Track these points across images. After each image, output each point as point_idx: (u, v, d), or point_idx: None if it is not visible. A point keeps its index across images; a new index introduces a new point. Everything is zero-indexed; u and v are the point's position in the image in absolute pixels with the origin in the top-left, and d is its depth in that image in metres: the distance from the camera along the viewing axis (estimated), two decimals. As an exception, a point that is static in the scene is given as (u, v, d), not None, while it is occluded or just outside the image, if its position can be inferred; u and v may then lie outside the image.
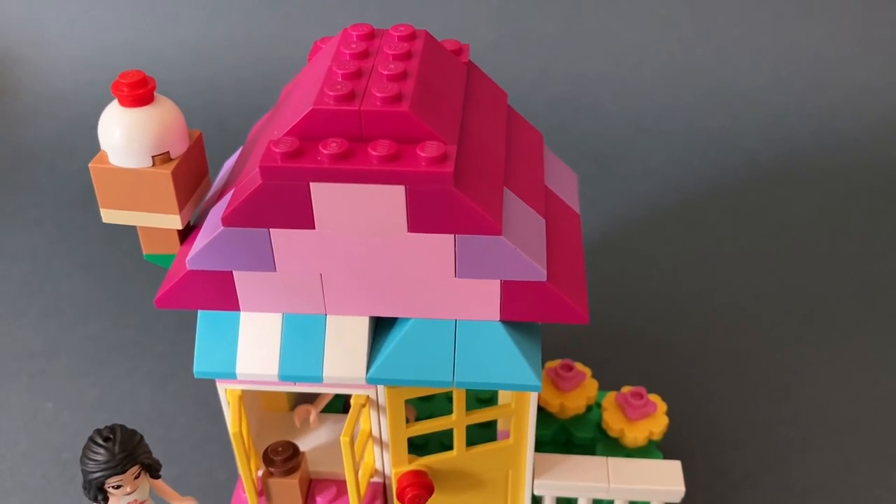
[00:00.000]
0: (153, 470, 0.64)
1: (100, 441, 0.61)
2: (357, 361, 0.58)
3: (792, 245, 1.07)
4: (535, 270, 0.54)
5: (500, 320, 0.57)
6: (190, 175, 0.59)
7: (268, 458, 0.65)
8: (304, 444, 0.70)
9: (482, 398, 0.79)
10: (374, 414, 0.63)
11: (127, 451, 0.61)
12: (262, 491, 0.66)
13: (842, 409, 0.85)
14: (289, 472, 0.65)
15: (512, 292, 0.55)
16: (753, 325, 0.95)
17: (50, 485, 0.78)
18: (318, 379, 0.58)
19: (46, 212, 1.16)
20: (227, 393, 0.63)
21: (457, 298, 0.56)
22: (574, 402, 0.75)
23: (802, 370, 0.89)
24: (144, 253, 0.62)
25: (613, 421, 0.73)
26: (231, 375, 0.58)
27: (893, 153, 1.24)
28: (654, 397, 0.75)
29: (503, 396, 0.69)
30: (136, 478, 0.62)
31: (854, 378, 0.89)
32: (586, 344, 0.88)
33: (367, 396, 0.62)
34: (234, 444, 0.61)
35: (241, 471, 0.63)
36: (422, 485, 0.63)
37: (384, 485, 0.68)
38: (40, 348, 0.93)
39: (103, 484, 0.61)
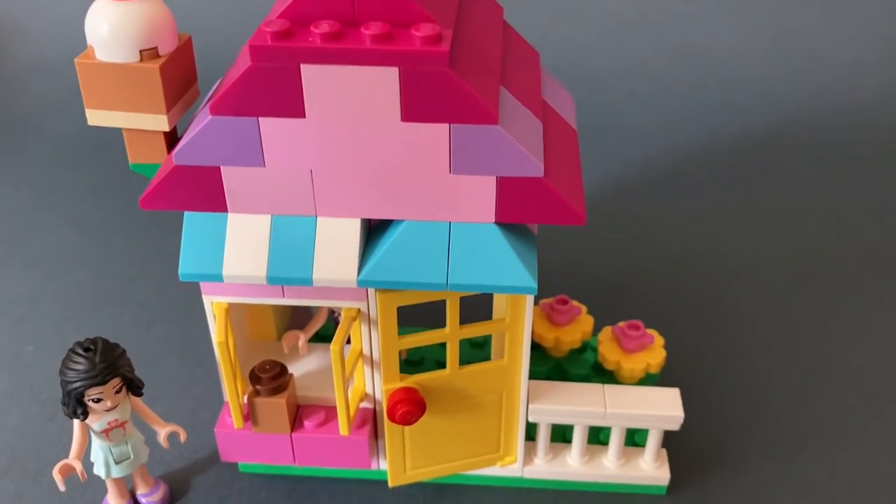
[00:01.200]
0: (135, 387, 0.62)
1: (80, 351, 0.59)
2: (348, 263, 0.56)
3: (784, 206, 1.06)
4: (533, 165, 0.53)
5: (496, 222, 0.55)
6: (178, 76, 0.57)
7: (254, 377, 0.63)
8: (293, 371, 0.68)
9: (476, 342, 0.78)
10: (364, 329, 0.61)
11: (108, 361, 0.59)
12: (249, 415, 0.64)
13: (837, 356, 0.84)
14: (276, 392, 0.63)
15: (508, 190, 0.54)
16: (748, 279, 0.94)
17: (29, 423, 0.76)
18: (308, 281, 0.56)
19: (34, 171, 1.14)
20: (213, 306, 0.61)
21: (451, 198, 0.55)
22: (569, 336, 0.73)
23: (798, 321, 0.88)
24: (130, 162, 0.61)
25: (609, 353, 0.72)
26: (217, 277, 0.56)
27: (883, 124, 1.24)
28: (651, 331, 0.73)
29: (498, 314, 0.67)
30: (118, 392, 0.60)
31: (850, 327, 0.87)
32: (580, 294, 0.86)
33: (358, 310, 0.61)
34: (218, 355, 0.59)
35: (225, 386, 0.61)
36: (413, 401, 0.61)
37: (374, 411, 0.66)
38: (23, 296, 0.91)
39: (83, 395, 0.59)
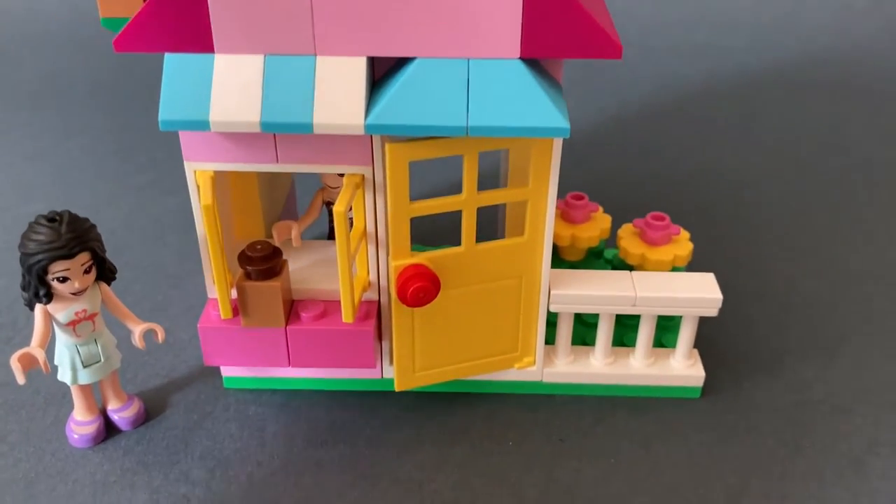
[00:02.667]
0: (106, 270, 0.54)
1: (44, 221, 0.51)
2: (353, 105, 0.49)
3: (785, 133, 1.02)
4: (563, -17, 0.47)
5: (521, 57, 0.49)
6: None
7: (244, 258, 0.55)
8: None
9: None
10: (369, 199, 0.54)
11: (76, 232, 0.51)
12: (237, 306, 0.57)
13: (854, 258, 0.79)
14: (269, 275, 0.55)
15: (535, 16, 0.47)
16: (758, 195, 0.89)
17: (-18, 348, 0.68)
18: (308, 128, 0.49)
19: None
20: (196, 175, 0.53)
21: (470, 29, 0.48)
22: (586, 233, 0.67)
23: (816, 229, 0.83)
24: (101, 17, 0.54)
25: (632, 246, 0.65)
26: (202, 125, 0.49)
27: (873, 63, 1.21)
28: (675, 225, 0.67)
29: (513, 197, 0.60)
30: (87, 272, 0.52)
31: (864, 232, 0.82)
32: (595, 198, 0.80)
33: (362, 176, 0.54)
34: (204, 222, 0.51)
35: (210, 264, 0.53)
36: (427, 277, 0.54)
37: (378, 304, 0.59)
38: (-25, 229, 0.83)
39: (46, 272, 0.51)
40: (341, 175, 0.60)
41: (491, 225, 0.68)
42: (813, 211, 0.87)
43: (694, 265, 0.73)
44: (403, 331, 0.57)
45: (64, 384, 0.63)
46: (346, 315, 0.55)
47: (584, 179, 0.92)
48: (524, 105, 0.49)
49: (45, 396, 0.63)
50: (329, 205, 0.63)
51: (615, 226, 0.74)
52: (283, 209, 0.68)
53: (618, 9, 1.28)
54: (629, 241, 0.65)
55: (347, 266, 0.52)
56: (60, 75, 1.16)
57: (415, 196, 0.53)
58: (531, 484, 0.56)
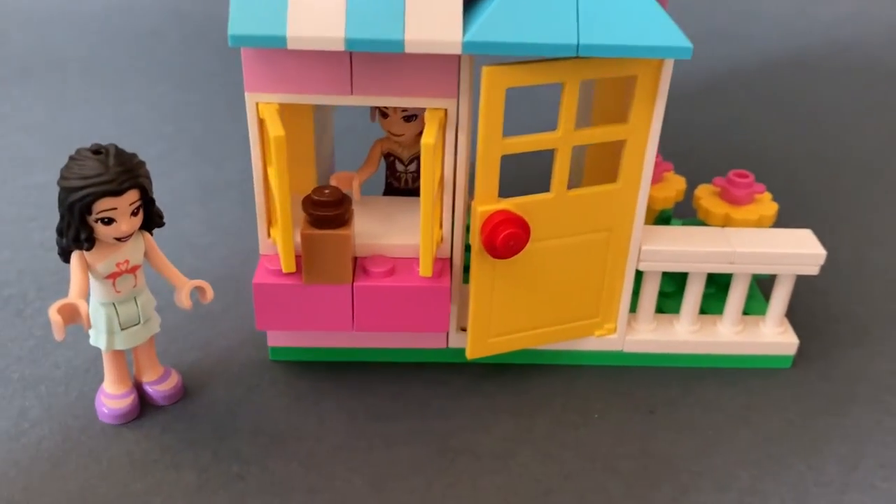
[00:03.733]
0: (154, 216, 0.48)
1: (88, 153, 0.45)
2: (449, 20, 0.43)
3: (809, 117, 0.99)
4: None
5: (634, -28, 0.44)
6: None
7: (310, 203, 0.49)
8: (342, 222, 0.55)
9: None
10: (450, 136, 0.48)
11: (125, 166, 0.45)
12: (302, 255, 0.50)
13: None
14: (337, 223, 0.49)
15: (654, -77, 0.43)
16: (813, 171, 0.85)
17: (-12, 321, 0.60)
18: (398, 45, 0.43)
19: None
20: (259, 108, 0.47)
21: (579, -61, 0.43)
22: (661, 193, 0.62)
23: (878, 204, 0.79)
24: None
25: (714, 206, 0.60)
26: (278, 41, 0.43)
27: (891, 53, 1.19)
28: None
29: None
30: (134, 214, 0.46)
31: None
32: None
33: (445, 111, 0.48)
34: (275, 154, 0.45)
35: (278, 203, 0.46)
36: (518, 223, 0.48)
37: (451, 262, 0.53)
38: (-30, 200, 0.75)
39: (90, 210, 0.44)
40: (408, 120, 0.54)
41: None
42: (869, 183, 0.83)
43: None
44: (481, 289, 0.51)
45: (85, 356, 0.56)
46: (425, 268, 0.49)
47: None
48: (641, 22, 0.44)
49: (65, 370, 0.56)
50: (389, 157, 0.57)
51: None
52: (327, 164, 0.62)
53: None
54: (710, 201, 0.60)
55: (432, 208, 0.47)
56: (51, 49, 1.08)
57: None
58: (625, 457, 0.51)
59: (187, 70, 1.06)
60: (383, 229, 0.54)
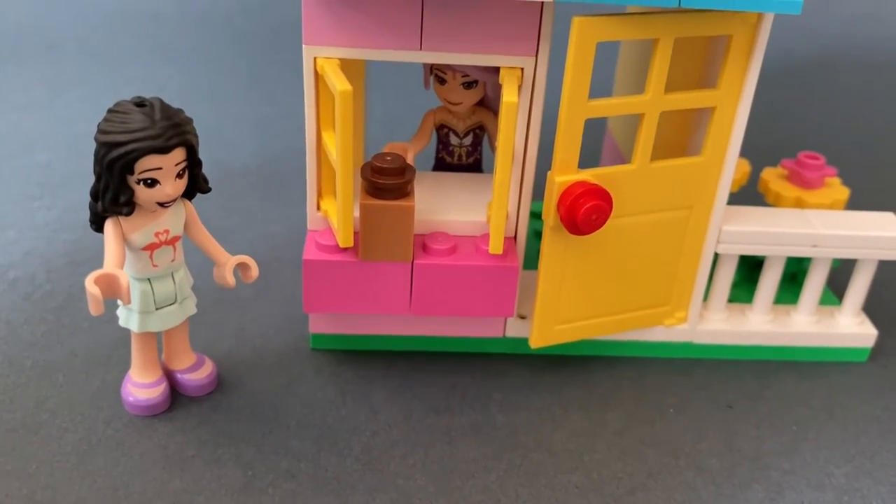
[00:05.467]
0: (200, 181, 0.43)
1: (131, 106, 0.40)
2: (543, -36, 0.39)
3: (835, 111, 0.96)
4: None
5: (739, -81, 0.41)
6: None
7: (372, 171, 0.44)
8: (395, 198, 0.50)
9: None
10: (525, 99, 0.44)
11: (172, 120, 0.40)
12: (360, 227, 0.45)
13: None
14: (401, 193, 0.45)
15: None
16: (859, 162, 0.81)
17: (-6, 305, 0.55)
18: (485, -11, 0.39)
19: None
20: (318, 63, 0.43)
21: None
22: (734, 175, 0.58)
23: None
24: None
25: (785, 189, 0.57)
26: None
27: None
28: (822, 170, 0.59)
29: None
30: (179, 177, 0.41)
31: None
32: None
33: (521, 70, 0.44)
34: (340, 110, 0.40)
35: (340, 167, 0.41)
36: (601, 195, 0.44)
37: (515, 240, 0.49)
38: (-34, 179, 0.69)
39: (132, 169, 0.39)
40: (468, 87, 0.50)
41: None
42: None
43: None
44: (552, 270, 0.47)
45: (106, 341, 0.51)
46: (495, 244, 0.45)
47: None
48: (748, -28, 0.40)
49: (83, 358, 0.50)
50: (443, 129, 0.53)
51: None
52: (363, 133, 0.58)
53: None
54: (780, 185, 0.57)
55: (508, 175, 0.42)
56: (47, 29, 1.02)
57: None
58: (710, 454, 0.46)
59: (193, 52, 1.00)
60: (441, 205, 0.49)
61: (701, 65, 0.49)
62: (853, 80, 1.06)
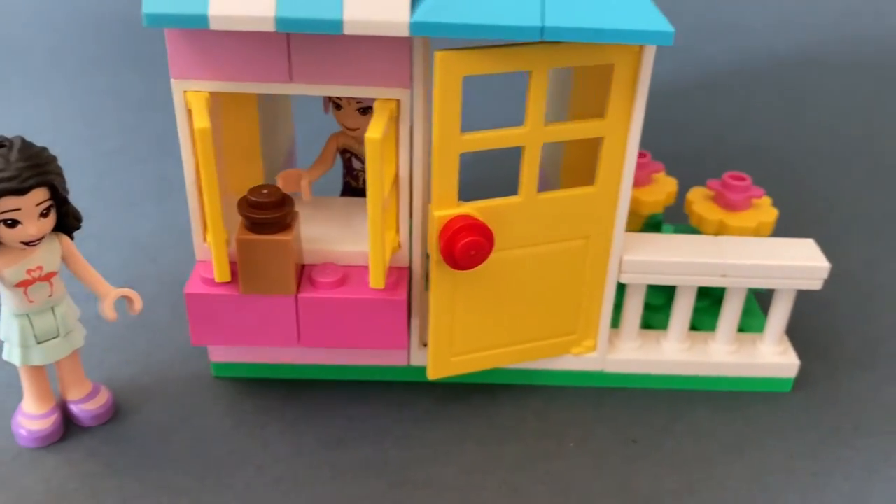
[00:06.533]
0: (70, 218, 0.43)
1: (-12, 146, 0.40)
2: (396, -2, 0.38)
3: (828, 117, 0.92)
4: None
5: (609, -56, 0.39)
6: None
7: (247, 205, 0.44)
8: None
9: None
10: (404, 131, 0.43)
11: (31, 161, 0.39)
12: (238, 262, 0.45)
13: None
14: (277, 227, 0.44)
15: None
16: (817, 175, 0.79)
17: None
18: (336, 25, 0.38)
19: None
20: (187, 98, 0.42)
21: None
22: (651, 197, 0.56)
23: (887, 213, 0.73)
24: None
25: (708, 211, 0.55)
26: (199, 20, 0.37)
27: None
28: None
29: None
30: (44, 216, 0.40)
31: None
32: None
33: (397, 102, 0.43)
34: (199, 149, 0.40)
35: (206, 204, 0.41)
36: (479, 230, 0.43)
37: (409, 270, 0.48)
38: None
39: (-10, 210, 0.39)
40: (364, 112, 0.49)
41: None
42: (880, 189, 0.77)
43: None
44: (442, 302, 0.46)
45: (7, 369, 0.51)
46: (376, 279, 0.44)
47: None
48: (616, 3, 0.38)
49: (-17, 388, 0.51)
50: (346, 153, 0.52)
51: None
52: (286, 157, 0.57)
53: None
54: (703, 206, 0.55)
55: (380, 212, 0.41)
56: (12, 39, 1.03)
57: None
58: (605, 493, 0.45)
59: (152, 58, 1.01)
60: (336, 234, 0.48)
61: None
62: (802, 91, 1.03)
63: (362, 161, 0.51)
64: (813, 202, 0.75)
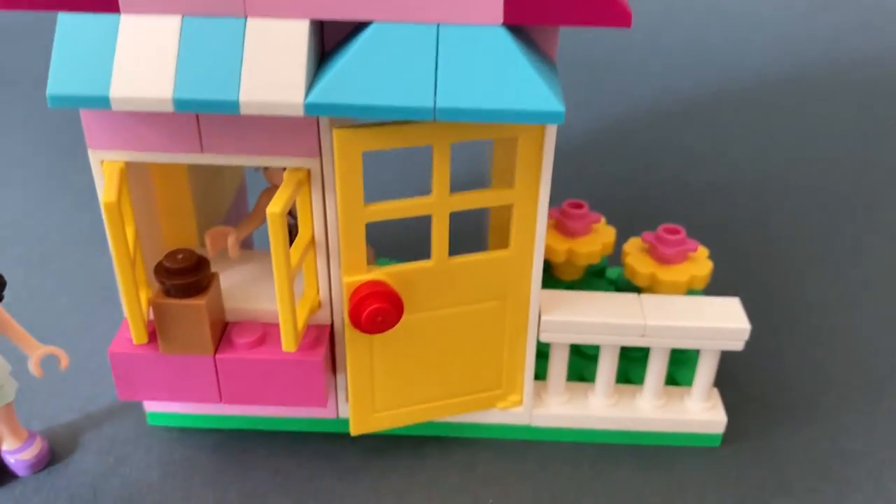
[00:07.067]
0: (-10, 284, 0.44)
1: None
2: (291, 79, 0.39)
3: (802, 142, 0.92)
4: (559, -74, 0.37)
5: (504, 24, 0.39)
6: None
7: (162, 271, 0.45)
8: (222, 281, 0.50)
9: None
10: (316, 199, 0.44)
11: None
12: (156, 325, 0.46)
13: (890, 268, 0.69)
14: (192, 291, 0.45)
15: (522, -31, 0.38)
16: (779, 207, 0.78)
17: None
18: (233, 106, 0.39)
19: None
20: (103, 167, 0.43)
21: (440, -14, 0.38)
22: (586, 248, 0.57)
23: (847, 253, 0.72)
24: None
25: (641, 265, 0.55)
26: (101, 102, 0.39)
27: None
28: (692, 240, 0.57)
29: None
30: (-37, 285, 0.42)
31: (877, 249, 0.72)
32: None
33: (308, 171, 0.44)
34: (106, 221, 0.41)
35: (117, 275, 0.43)
36: (386, 296, 0.43)
37: (331, 328, 0.49)
38: None
39: None
40: (290, 171, 0.50)
41: (478, 232, 0.57)
42: (845, 227, 0.77)
43: (712, 288, 0.63)
44: (359, 362, 0.47)
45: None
46: (287, 343, 0.45)
47: (584, 188, 0.81)
48: (507, 82, 0.38)
49: (-67, 432, 0.53)
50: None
51: (620, 240, 0.64)
52: (230, 208, 0.58)
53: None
54: (637, 259, 0.55)
55: (287, 284, 0.42)
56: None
57: (376, 194, 0.43)
58: (513, 554, 0.46)
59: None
60: (261, 290, 0.49)
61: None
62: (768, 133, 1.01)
63: (294, 217, 0.52)
64: (771, 241, 0.74)
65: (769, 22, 1.15)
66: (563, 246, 0.56)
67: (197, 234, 0.53)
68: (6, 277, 0.46)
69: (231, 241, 0.50)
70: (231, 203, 0.59)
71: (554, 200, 0.61)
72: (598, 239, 0.57)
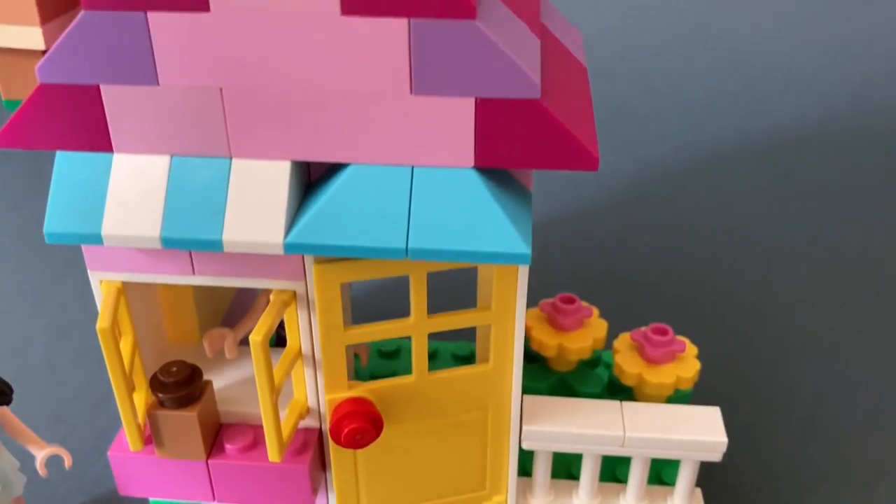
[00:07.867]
0: (1, 394, 0.47)
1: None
2: (272, 219, 0.41)
3: (820, 208, 0.91)
4: (525, 81, 0.38)
5: (475, 166, 0.41)
6: (58, -21, 0.44)
7: (156, 383, 0.47)
8: (219, 381, 0.53)
9: (462, 356, 0.63)
10: (302, 319, 0.46)
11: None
12: (151, 432, 0.49)
13: (884, 361, 0.68)
14: (184, 403, 0.47)
15: (491, 118, 0.39)
16: (783, 283, 0.79)
17: None
18: (217, 245, 0.41)
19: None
20: (101, 286, 0.46)
21: (413, 131, 0.40)
22: (577, 344, 0.58)
23: (856, 340, 0.72)
24: (3, 98, 0.47)
25: (628, 364, 0.56)
26: (94, 238, 0.41)
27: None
28: (680, 338, 0.58)
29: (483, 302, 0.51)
30: (-30, 398, 0.45)
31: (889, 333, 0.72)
32: (593, 296, 0.70)
33: (293, 293, 0.46)
34: (102, 345, 0.44)
35: (115, 390, 0.45)
36: (364, 415, 0.45)
37: (320, 431, 0.51)
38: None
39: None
40: (285, 278, 0.52)
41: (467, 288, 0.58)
42: (856, 311, 0.76)
43: (702, 383, 0.63)
44: (344, 468, 0.49)
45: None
46: (273, 455, 0.47)
47: (576, 276, 0.81)
48: (477, 224, 0.40)
49: (-48, 513, 0.56)
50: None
51: (613, 331, 0.64)
52: (233, 301, 0.61)
53: (644, 49, 1.19)
54: (625, 358, 0.56)
55: (270, 405, 0.44)
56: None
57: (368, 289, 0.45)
58: None
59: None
60: (254, 392, 0.51)
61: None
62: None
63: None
64: (771, 327, 0.74)
65: (789, 68, 1.15)
66: (553, 341, 0.57)
67: (198, 330, 0.56)
68: (29, 350, 0.48)
69: (228, 343, 0.52)
70: (234, 296, 0.61)
71: (548, 290, 0.62)
72: (590, 334, 0.58)
